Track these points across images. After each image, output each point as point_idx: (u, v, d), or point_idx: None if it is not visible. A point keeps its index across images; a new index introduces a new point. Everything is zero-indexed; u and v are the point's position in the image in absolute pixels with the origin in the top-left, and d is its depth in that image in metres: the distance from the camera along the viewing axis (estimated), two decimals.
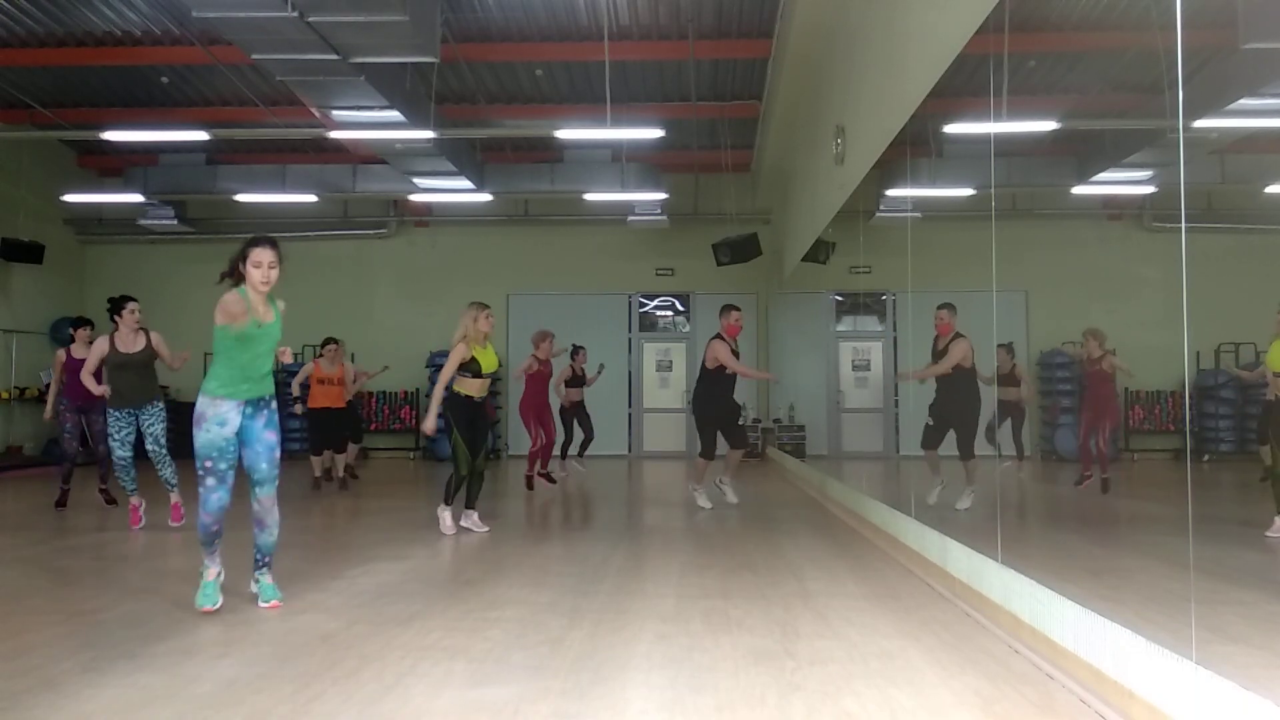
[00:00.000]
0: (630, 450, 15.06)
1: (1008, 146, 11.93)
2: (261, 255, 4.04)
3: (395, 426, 14.91)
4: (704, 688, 3.00)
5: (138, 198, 13.48)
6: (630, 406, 15.17)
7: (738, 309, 8.00)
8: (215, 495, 3.95)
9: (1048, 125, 10.53)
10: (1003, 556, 3.91)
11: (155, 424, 6.74)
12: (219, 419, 3.95)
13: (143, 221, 14.08)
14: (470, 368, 6.34)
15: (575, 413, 10.77)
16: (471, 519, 6.62)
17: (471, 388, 6.40)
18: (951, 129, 10.43)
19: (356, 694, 2.94)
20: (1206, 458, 11.73)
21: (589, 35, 9.95)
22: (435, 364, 14.22)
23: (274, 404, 4.13)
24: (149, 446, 6.71)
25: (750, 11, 9.61)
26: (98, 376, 6.69)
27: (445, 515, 6.47)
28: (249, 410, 4.03)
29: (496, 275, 15.16)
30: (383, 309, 15.07)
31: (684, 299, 15.45)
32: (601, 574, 4.99)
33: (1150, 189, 12.74)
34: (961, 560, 4.35)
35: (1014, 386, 9.77)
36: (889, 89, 6.03)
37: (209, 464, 3.93)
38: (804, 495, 9.27)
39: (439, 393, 6.33)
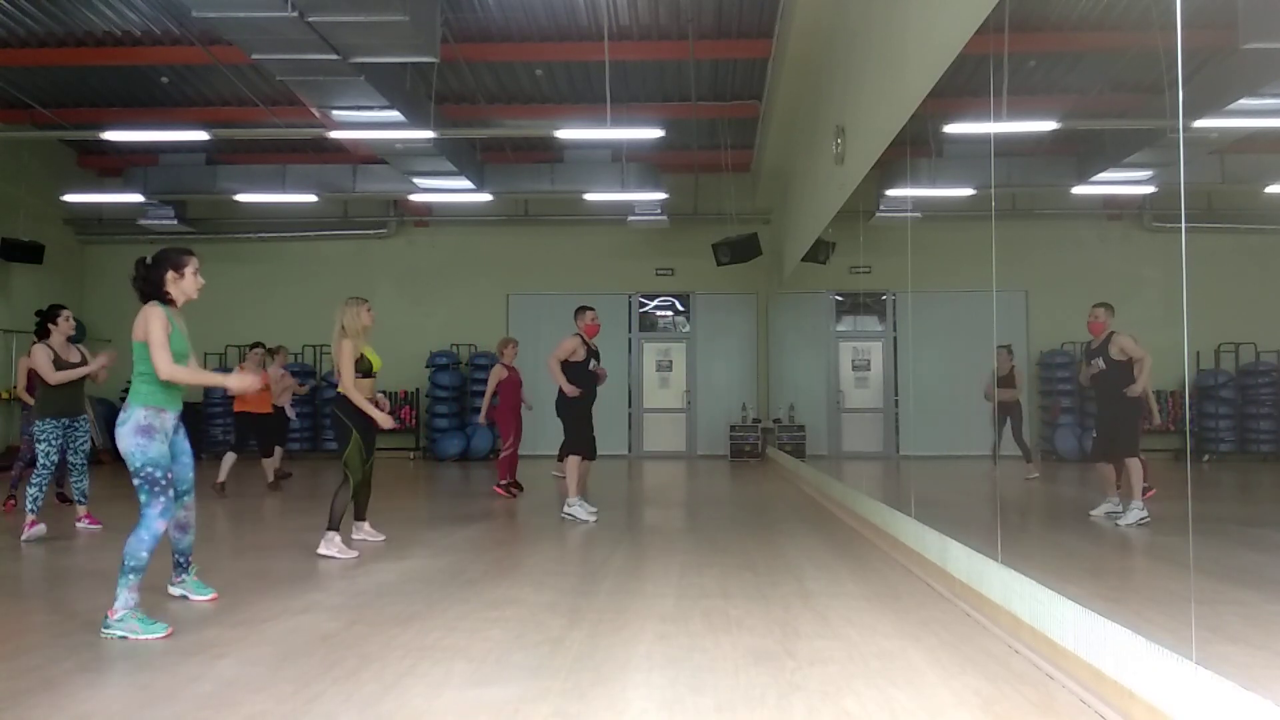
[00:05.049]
0: (630, 450, 15.06)
1: (1008, 146, 11.92)
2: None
3: (395, 426, 14.89)
4: (704, 688, 3.00)
5: (138, 198, 13.48)
6: (630, 406, 15.17)
7: (591, 309, 7.60)
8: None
9: (1048, 125, 10.52)
10: (1003, 556, 3.91)
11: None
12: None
13: (143, 221, 14.08)
14: (361, 366, 5.79)
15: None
16: (364, 530, 6.15)
17: (365, 389, 5.81)
18: (951, 129, 10.43)
19: (356, 694, 2.94)
20: (1206, 458, 11.73)
21: (589, 35, 9.95)
22: (435, 364, 14.23)
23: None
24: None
25: (750, 11, 9.61)
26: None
27: (335, 540, 5.57)
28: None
29: (496, 275, 15.17)
30: (383, 309, 14.91)
31: (684, 299, 15.46)
32: (601, 574, 4.99)
33: (1150, 189, 12.74)
34: (961, 560, 4.35)
35: (1011, 388, 9.84)
36: (889, 89, 6.03)
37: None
38: (804, 495, 9.27)
39: (356, 394, 5.68)
